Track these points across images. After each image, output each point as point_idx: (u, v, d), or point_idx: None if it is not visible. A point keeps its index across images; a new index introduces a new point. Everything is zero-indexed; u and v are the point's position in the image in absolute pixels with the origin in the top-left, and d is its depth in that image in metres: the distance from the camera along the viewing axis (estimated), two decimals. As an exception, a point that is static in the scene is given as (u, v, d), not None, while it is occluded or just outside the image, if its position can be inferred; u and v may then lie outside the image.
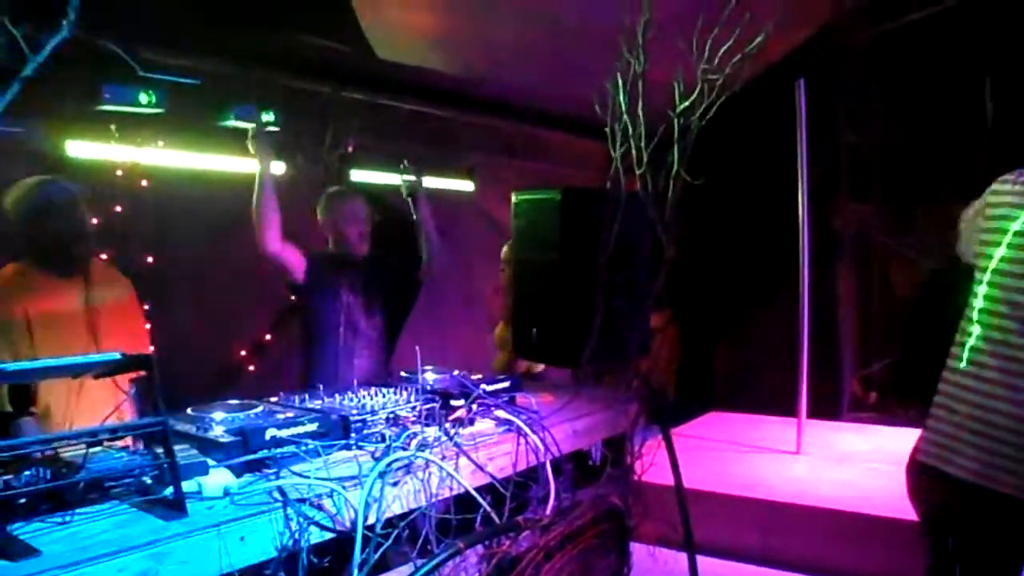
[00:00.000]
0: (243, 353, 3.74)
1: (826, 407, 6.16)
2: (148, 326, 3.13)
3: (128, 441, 1.95)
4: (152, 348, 3.08)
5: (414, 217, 3.74)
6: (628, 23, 3.13)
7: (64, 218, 2.80)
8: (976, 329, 2.29)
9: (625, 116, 3.06)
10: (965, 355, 2.31)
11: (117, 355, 1.62)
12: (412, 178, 3.75)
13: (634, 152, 2.99)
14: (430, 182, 5.46)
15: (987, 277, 2.31)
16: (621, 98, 3.09)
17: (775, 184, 5.38)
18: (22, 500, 1.56)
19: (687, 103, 2.99)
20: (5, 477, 1.56)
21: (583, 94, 3.28)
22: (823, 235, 5.98)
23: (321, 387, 2.55)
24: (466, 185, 6.00)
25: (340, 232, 3.61)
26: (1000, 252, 2.28)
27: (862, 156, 6.73)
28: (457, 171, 5.85)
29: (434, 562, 1.94)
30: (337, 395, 2.50)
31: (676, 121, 3.05)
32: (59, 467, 1.67)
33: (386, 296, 3.73)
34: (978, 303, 2.31)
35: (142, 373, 1.79)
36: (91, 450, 1.71)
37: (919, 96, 6.08)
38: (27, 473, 1.59)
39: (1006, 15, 5.31)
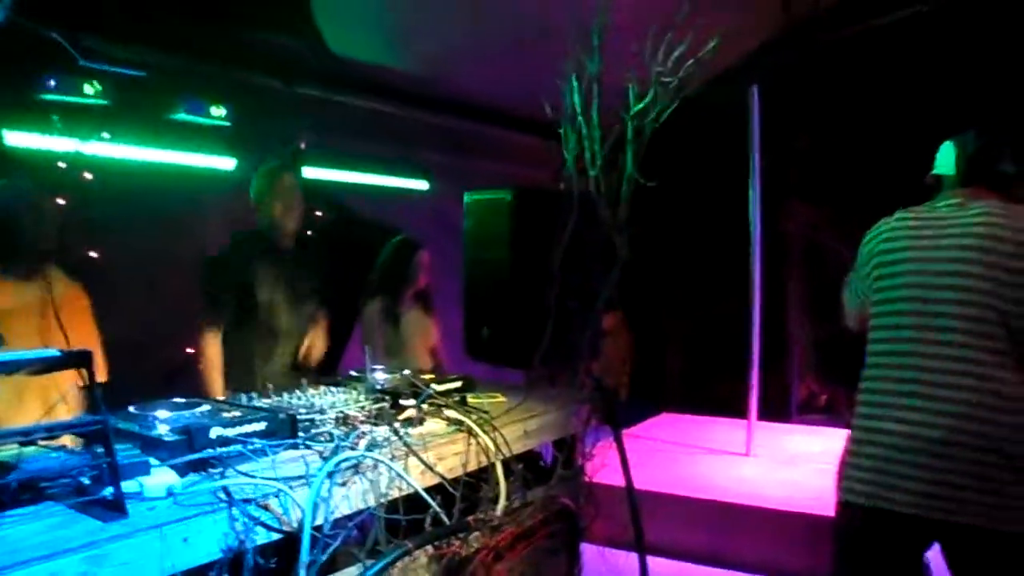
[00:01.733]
0: (191, 351, 3.67)
1: (775, 409, 6.25)
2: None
3: (66, 440, 1.90)
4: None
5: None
6: (583, 24, 3.15)
7: (29, 222, 2.76)
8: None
9: (579, 117, 3.07)
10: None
11: (55, 351, 1.57)
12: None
13: (588, 153, 3.00)
14: (385, 181, 5.46)
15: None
16: (575, 99, 3.10)
17: (727, 187, 5.44)
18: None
19: (641, 105, 3.01)
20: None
21: (538, 94, 3.28)
22: (774, 238, 6.06)
23: (271, 386, 2.52)
24: (421, 185, 5.97)
25: (269, 208, 3.56)
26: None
27: (813, 160, 6.84)
28: (413, 170, 5.82)
29: (383, 563, 1.91)
30: (285, 394, 2.46)
31: (630, 123, 3.07)
32: (-9, 466, 1.62)
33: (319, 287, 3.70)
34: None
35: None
36: (26, 450, 1.66)
37: (872, 101, 6.20)
38: (-43, 473, 1.54)
39: (964, 23, 5.42)
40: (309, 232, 3.51)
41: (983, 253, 2.30)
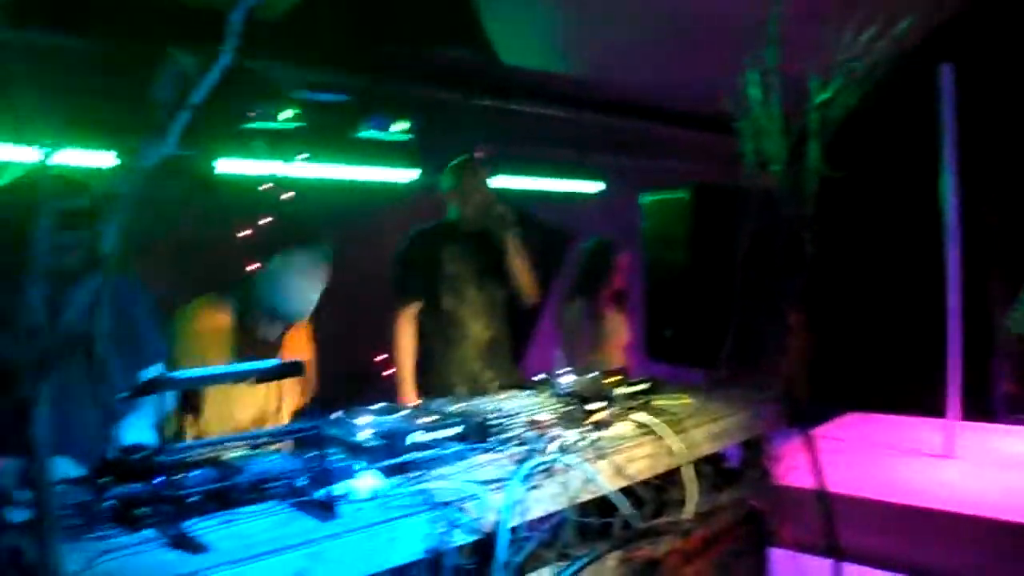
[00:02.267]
0: (383, 357, 3.86)
1: (975, 408, 5.83)
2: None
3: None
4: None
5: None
6: (758, 15, 3.07)
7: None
8: None
9: (758, 110, 2.99)
10: None
11: (275, 361, 1.70)
12: (505, 214, 3.68)
13: (769, 147, 2.93)
14: (562, 185, 5.52)
15: None
16: (754, 91, 3.02)
17: (920, 177, 5.12)
18: (193, 499, 1.66)
19: (826, 95, 2.90)
20: (176, 478, 1.66)
21: (713, 89, 3.23)
22: (975, 230, 5.65)
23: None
24: (596, 187, 6.00)
25: (465, 199, 3.64)
26: None
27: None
28: (587, 173, 5.86)
29: (577, 566, 1.94)
30: (476, 398, 2.54)
31: (814, 114, 2.97)
32: (223, 468, 1.77)
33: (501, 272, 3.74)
34: None
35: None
36: (250, 453, 1.81)
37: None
38: (195, 473, 1.70)
39: None
40: (500, 219, 3.56)
41: None
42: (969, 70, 5.15)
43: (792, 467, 3.00)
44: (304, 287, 2.86)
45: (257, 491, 1.79)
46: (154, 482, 1.65)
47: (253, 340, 2.90)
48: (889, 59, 3.03)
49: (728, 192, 3.02)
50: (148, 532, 1.59)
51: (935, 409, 5.15)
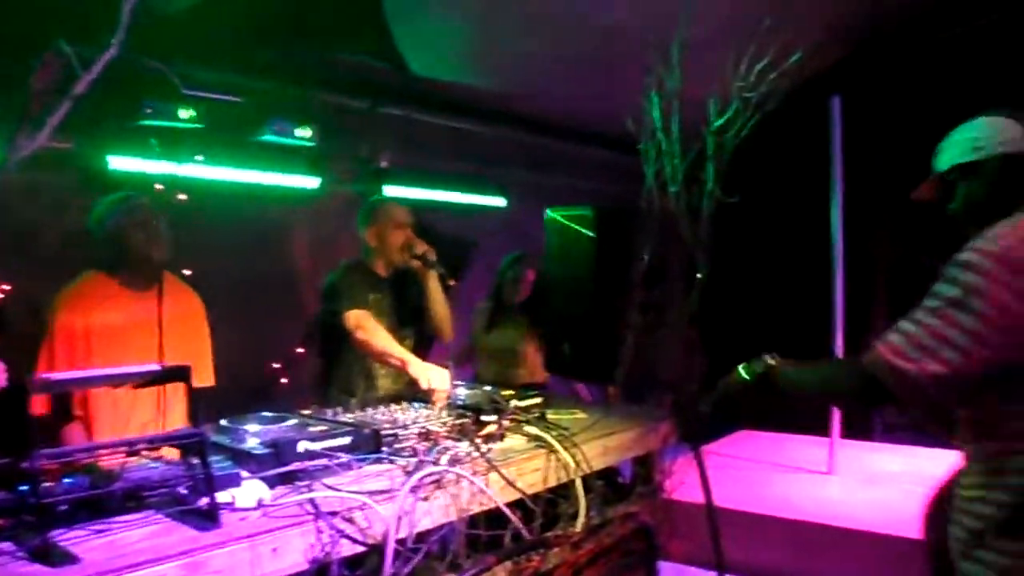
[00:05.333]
0: (276, 366, 3.78)
1: (859, 427, 6.07)
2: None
3: (161, 452, 1.97)
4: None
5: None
6: (663, 40, 3.15)
7: (145, 232, 2.88)
8: None
9: (659, 133, 3.07)
10: None
11: (155, 366, 1.64)
12: (427, 253, 3.46)
13: (668, 169, 3.00)
14: (464, 198, 5.51)
15: None
16: (655, 115, 3.10)
17: (812, 204, 5.32)
18: (63, 507, 1.59)
19: (722, 120, 3.00)
20: (46, 484, 1.59)
21: (618, 110, 3.29)
22: (860, 258, 5.89)
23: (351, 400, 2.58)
24: (498, 201, 6.02)
25: (384, 239, 3.52)
26: None
27: (905, 176, 6.61)
28: (491, 187, 5.88)
29: (464, 578, 1.94)
30: (369, 409, 2.51)
31: (710, 138, 3.06)
32: (98, 476, 1.70)
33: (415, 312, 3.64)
34: None
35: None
36: (128, 460, 1.74)
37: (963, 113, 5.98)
38: (67, 480, 1.63)
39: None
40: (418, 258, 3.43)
41: None
42: (861, 103, 5.40)
43: (682, 482, 3.07)
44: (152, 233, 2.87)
45: (135, 500, 1.72)
46: (18, 490, 1.57)
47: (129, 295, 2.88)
48: (783, 89, 3.15)
49: (629, 211, 3.08)
50: (6, 544, 1.52)
51: (819, 428, 5.36)
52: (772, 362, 2.08)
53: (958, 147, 1.89)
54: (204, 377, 3.08)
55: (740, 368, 2.14)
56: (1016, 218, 1.70)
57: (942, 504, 2.21)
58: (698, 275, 2.97)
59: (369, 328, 3.13)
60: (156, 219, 2.92)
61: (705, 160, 2.99)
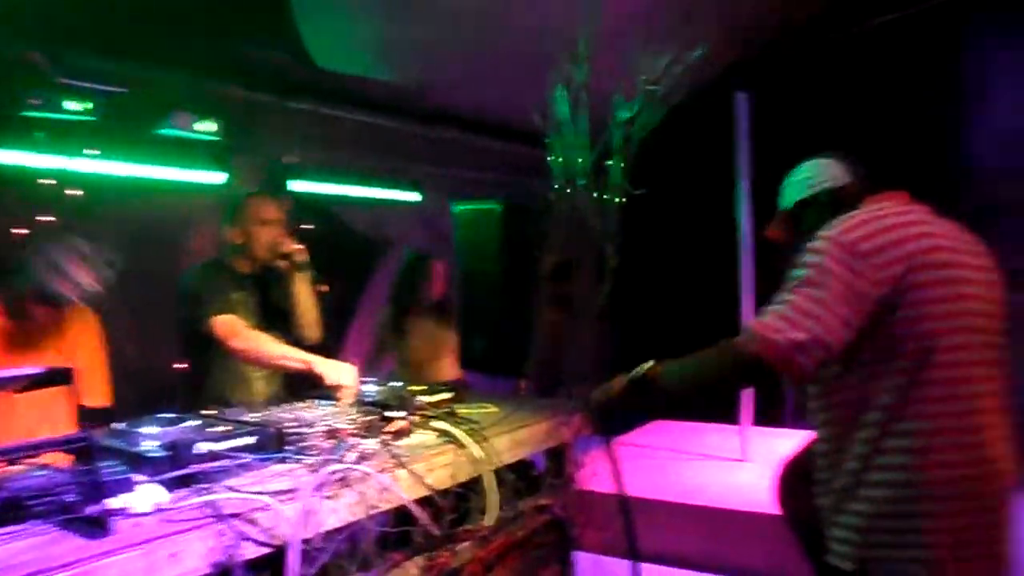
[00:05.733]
0: (182, 367, 3.65)
1: (770, 415, 6.23)
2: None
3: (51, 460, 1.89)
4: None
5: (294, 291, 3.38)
6: (571, 34, 3.16)
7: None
8: None
9: (566, 127, 3.08)
10: None
11: (38, 369, 1.57)
12: (295, 253, 3.37)
13: (576, 163, 3.02)
14: (376, 193, 5.45)
15: None
16: (563, 108, 3.11)
17: (721, 198, 5.42)
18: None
19: (627, 114, 3.03)
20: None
21: (527, 104, 3.29)
22: (768, 248, 6.01)
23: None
24: (412, 196, 5.97)
25: (250, 237, 3.39)
26: None
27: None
28: (403, 182, 5.83)
29: (371, 576, 1.91)
30: (274, 408, 2.46)
31: (616, 132, 3.09)
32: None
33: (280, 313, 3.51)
34: None
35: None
36: (13, 468, 1.65)
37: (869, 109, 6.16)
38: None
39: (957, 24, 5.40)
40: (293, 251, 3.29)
41: None
42: (769, 99, 5.53)
43: (595, 473, 3.09)
44: (73, 267, 2.70)
45: (17, 509, 1.64)
46: None
47: (26, 329, 2.73)
48: (690, 85, 3.20)
49: (538, 204, 3.08)
50: None
51: (732, 416, 5.48)
52: (650, 364, 2.31)
53: (796, 187, 2.35)
54: (98, 395, 2.97)
55: (619, 377, 2.38)
56: (853, 213, 2.06)
57: (797, 477, 2.41)
58: (608, 267, 2.99)
59: (248, 336, 3.02)
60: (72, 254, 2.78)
61: (612, 154, 3.01)
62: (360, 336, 4.82)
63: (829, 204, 2.25)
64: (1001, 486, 1.98)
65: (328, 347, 3.39)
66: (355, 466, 2.03)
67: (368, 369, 3.26)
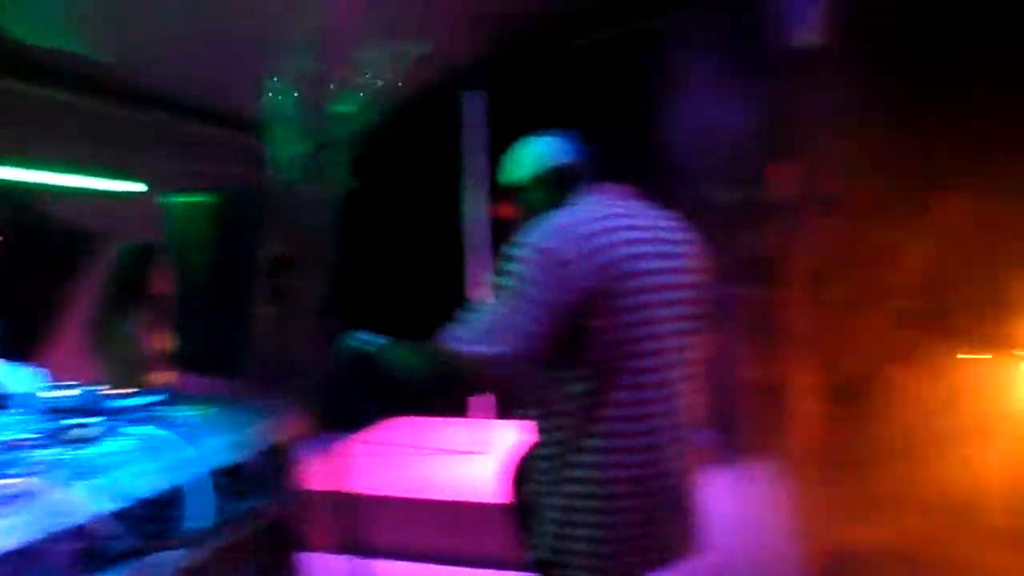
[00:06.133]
0: None
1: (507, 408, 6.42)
2: None
3: None
4: None
5: None
6: (296, 22, 3.07)
7: None
8: None
9: (286, 117, 3.00)
10: None
11: None
12: None
13: (293, 155, 2.94)
14: (90, 183, 4.99)
15: None
16: (282, 98, 3.02)
17: (446, 192, 5.51)
18: None
19: (347, 108, 2.99)
20: None
21: (245, 90, 3.15)
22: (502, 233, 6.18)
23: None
24: (134, 187, 5.54)
25: None
26: None
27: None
28: (121, 172, 5.39)
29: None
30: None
31: (339, 124, 3.04)
32: None
33: None
34: None
35: None
36: None
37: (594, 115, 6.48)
38: None
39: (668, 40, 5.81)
40: None
41: None
42: (503, 99, 5.70)
43: (320, 472, 3.03)
44: None
45: None
46: None
47: None
48: (421, 81, 3.22)
49: (253, 196, 2.97)
50: None
51: (474, 410, 5.60)
52: (378, 341, 2.27)
53: (527, 162, 2.29)
54: None
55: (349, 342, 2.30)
56: (563, 213, 2.07)
57: (518, 470, 2.50)
58: (328, 261, 2.94)
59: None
60: None
61: (331, 146, 2.96)
62: (64, 337, 4.41)
63: (557, 183, 2.24)
64: (673, 484, 2.12)
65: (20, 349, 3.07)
66: (29, 480, 1.84)
67: (71, 372, 2.97)
